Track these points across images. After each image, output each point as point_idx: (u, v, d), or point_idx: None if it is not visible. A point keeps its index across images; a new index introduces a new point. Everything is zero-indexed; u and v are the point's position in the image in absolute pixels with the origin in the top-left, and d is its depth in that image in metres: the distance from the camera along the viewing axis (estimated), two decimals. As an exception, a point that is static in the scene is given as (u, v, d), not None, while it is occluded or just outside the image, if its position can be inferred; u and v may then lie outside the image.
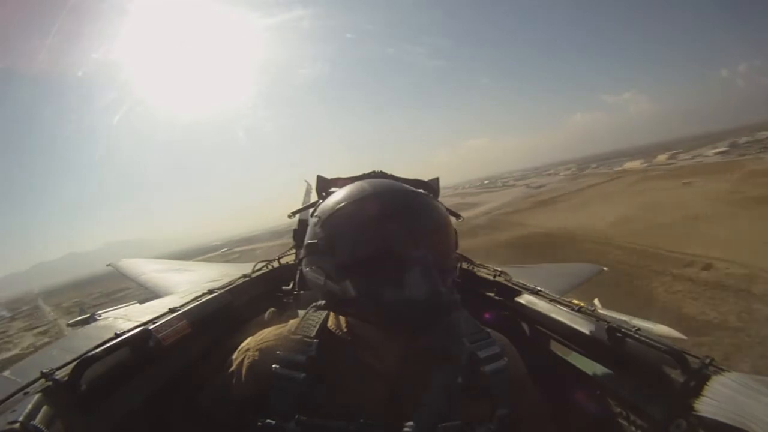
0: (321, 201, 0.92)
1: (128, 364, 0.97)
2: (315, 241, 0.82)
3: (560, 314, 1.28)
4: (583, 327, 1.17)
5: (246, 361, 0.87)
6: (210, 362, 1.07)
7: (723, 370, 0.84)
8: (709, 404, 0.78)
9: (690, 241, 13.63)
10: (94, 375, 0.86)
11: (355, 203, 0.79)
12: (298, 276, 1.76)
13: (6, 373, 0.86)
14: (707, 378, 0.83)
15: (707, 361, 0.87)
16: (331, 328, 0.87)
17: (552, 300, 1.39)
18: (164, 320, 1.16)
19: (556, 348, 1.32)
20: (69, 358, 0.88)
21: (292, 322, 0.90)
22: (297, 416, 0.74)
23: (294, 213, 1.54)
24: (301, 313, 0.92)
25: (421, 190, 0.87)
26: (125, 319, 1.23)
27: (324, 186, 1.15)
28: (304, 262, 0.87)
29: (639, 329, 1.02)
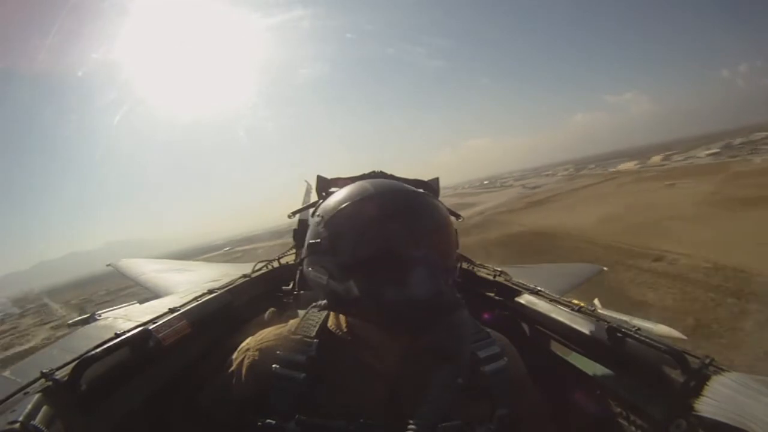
0: (322, 201, 0.92)
1: (128, 364, 0.97)
2: (318, 240, 0.82)
3: (560, 314, 1.28)
4: (583, 327, 1.17)
5: (246, 361, 0.87)
6: (210, 362, 1.07)
7: (723, 370, 0.84)
8: (709, 404, 0.78)
9: (660, 238, 15.05)
10: (94, 375, 0.86)
11: (357, 203, 0.79)
12: (298, 276, 1.76)
13: (6, 373, 0.86)
14: (707, 378, 0.83)
15: (707, 361, 0.87)
16: (331, 328, 0.87)
17: (552, 300, 1.39)
18: (164, 320, 1.16)
19: (556, 348, 1.32)
20: (69, 358, 0.88)
21: (292, 322, 0.90)
22: (297, 416, 0.74)
23: (294, 213, 1.54)
24: (301, 313, 0.92)
25: (421, 190, 0.88)
26: (125, 319, 1.23)
27: (324, 186, 1.15)
28: (306, 262, 0.87)
29: (639, 329, 1.02)
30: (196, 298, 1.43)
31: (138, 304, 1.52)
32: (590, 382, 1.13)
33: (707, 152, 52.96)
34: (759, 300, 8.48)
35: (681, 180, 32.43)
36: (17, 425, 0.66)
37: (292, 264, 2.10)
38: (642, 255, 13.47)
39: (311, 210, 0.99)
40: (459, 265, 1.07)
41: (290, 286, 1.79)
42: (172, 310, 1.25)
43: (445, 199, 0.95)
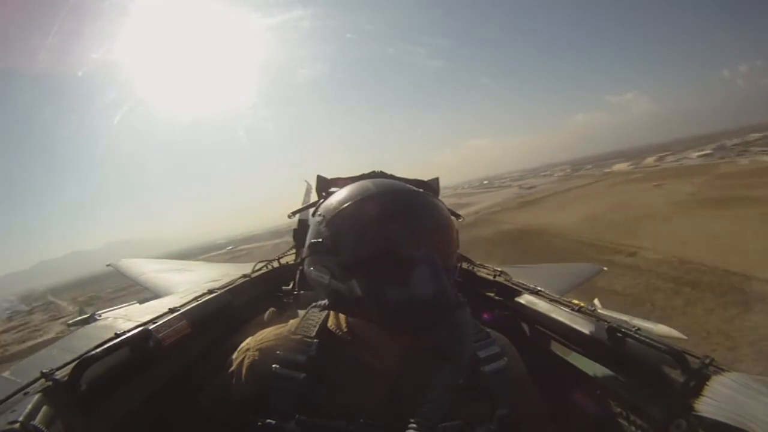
0: (322, 201, 0.92)
1: (128, 364, 0.97)
2: (320, 240, 0.82)
3: (560, 314, 1.28)
4: (583, 327, 1.17)
5: (246, 361, 0.87)
6: (210, 362, 1.07)
7: (723, 370, 0.84)
8: (709, 404, 0.78)
9: (634, 235, 16.57)
10: (94, 375, 0.86)
11: (359, 202, 0.79)
12: (298, 276, 1.75)
13: (6, 373, 0.86)
14: (707, 378, 0.83)
15: (707, 361, 0.87)
16: (331, 328, 0.87)
17: (552, 300, 1.39)
18: (164, 320, 1.16)
19: (556, 348, 1.32)
20: (69, 358, 0.87)
21: (292, 322, 0.90)
22: (297, 416, 0.74)
23: (294, 213, 1.54)
24: (301, 313, 0.92)
25: (422, 190, 0.88)
26: (125, 319, 1.23)
27: (324, 186, 1.15)
28: (307, 262, 0.86)
29: (639, 329, 1.02)
30: (196, 298, 1.43)
31: (138, 304, 1.52)
32: (590, 382, 1.13)
33: (699, 153, 53.64)
34: (712, 290, 9.69)
35: (667, 181, 34.05)
36: (17, 425, 0.66)
37: (292, 264, 2.10)
38: (615, 251, 14.98)
39: (312, 210, 0.99)
40: (459, 265, 1.07)
41: (290, 286, 1.79)
42: (172, 310, 1.25)
43: (445, 199, 0.95)
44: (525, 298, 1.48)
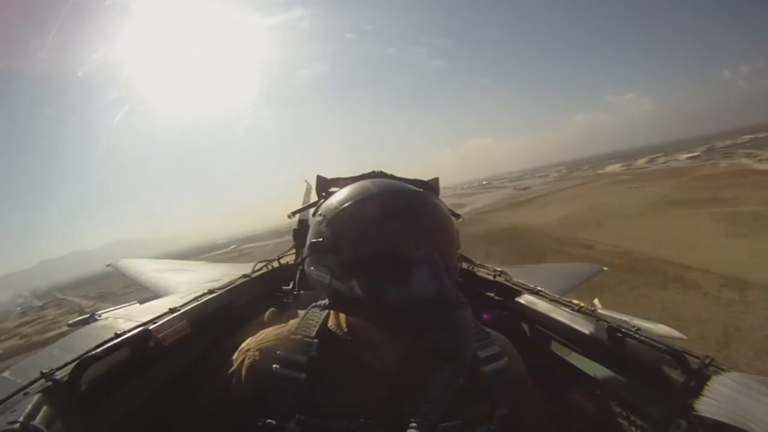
0: (323, 200, 0.91)
1: (128, 364, 0.97)
2: (320, 239, 0.82)
3: (560, 314, 1.28)
4: (583, 327, 1.17)
5: (246, 362, 0.87)
6: (210, 362, 1.06)
7: (723, 370, 0.84)
8: (709, 404, 0.78)
9: (597, 231, 18.77)
10: (94, 375, 0.86)
11: (360, 202, 0.79)
12: (298, 276, 1.75)
13: (6, 373, 0.86)
14: (707, 378, 0.83)
15: (707, 361, 0.87)
16: (331, 328, 0.87)
17: (552, 300, 1.39)
18: (164, 320, 1.16)
19: (556, 348, 1.32)
20: (69, 358, 0.87)
21: (293, 322, 0.90)
22: (297, 416, 0.74)
23: (294, 213, 1.54)
24: (302, 313, 0.92)
25: (422, 190, 0.87)
26: (125, 319, 1.23)
27: (324, 186, 1.15)
28: (307, 261, 0.86)
29: (639, 329, 1.02)
30: (196, 298, 1.43)
31: (138, 304, 1.52)
32: (590, 382, 1.13)
33: (687, 156, 54.37)
34: (643, 273, 11.46)
35: (647, 183, 35.93)
36: (17, 425, 0.66)
37: (292, 264, 2.10)
38: (576, 244, 17.26)
39: (312, 210, 0.99)
40: (459, 265, 1.07)
41: (290, 286, 1.79)
42: (172, 310, 1.25)
43: (444, 199, 0.96)
44: (525, 298, 1.48)
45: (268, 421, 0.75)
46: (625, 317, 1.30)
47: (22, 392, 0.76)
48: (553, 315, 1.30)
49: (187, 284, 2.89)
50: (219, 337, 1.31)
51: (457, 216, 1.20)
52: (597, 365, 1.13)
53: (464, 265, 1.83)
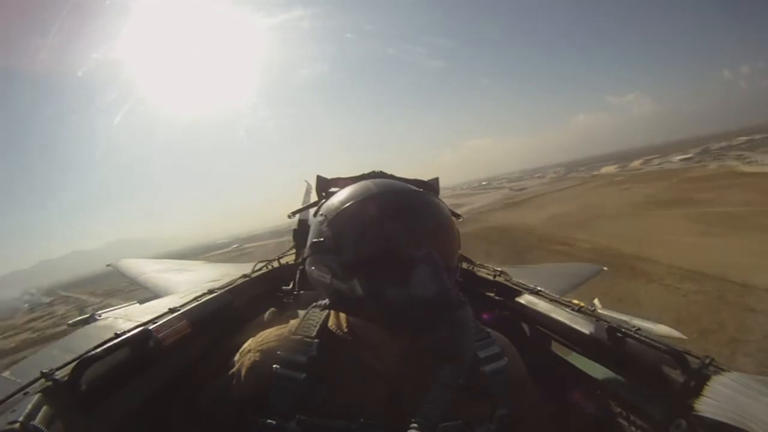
0: (324, 200, 0.91)
1: (128, 364, 0.97)
2: (321, 239, 0.81)
3: (560, 314, 1.28)
4: (583, 327, 1.17)
5: (247, 362, 0.87)
6: (210, 362, 1.06)
7: (723, 370, 0.84)
8: (709, 404, 0.78)
9: (580, 230, 20.03)
10: (94, 375, 0.86)
11: (361, 202, 0.79)
12: (298, 276, 1.76)
13: (6, 373, 0.86)
14: (707, 378, 0.83)
15: (707, 361, 0.87)
16: (331, 328, 0.87)
17: (552, 300, 1.39)
18: (164, 320, 1.16)
19: (557, 348, 1.32)
20: (69, 358, 0.87)
21: (293, 323, 0.90)
22: (297, 416, 0.74)
23: (294, 213, 1.54)
24: (302, 313, 0.92)
25: (421, 190, 0.87)
26: (125, 319, 1.23)
27: (324, 186, 1.15)
28: (308, 261, 0.86)
29: (639, 329, 1.02)
30: (196, 298, 1.43)
31: (138, 304, 1.53)
32: (590, 382, 1.13)
33: (680, 157, 55.00)
34: (614, 267, 11.50)
35: (637, 184, 37.28)
36: (17, 425, 0.66)
37: (292, 264, 2.10)
38: (558, 242, 18.42)
39: (313, 209, 0.99)
40: (459, 265, 1.07)
41: (290, 286, 1.79)
42: (172, 310, 1.25)
43: (443, 199, 0.96)
44: (525, 298, 1.48)
45: (269, 421, 0.75)
46: (625, 317, 1.30)
47: (22, 392, 0.76)
48: (553, 315, 1.30)
49: (187, 284, 2.89)
50: (219, 337, 1.31)
51: (458, 216, 1.20)
52: (597, 365, 1.13)
53: (464, 265, 1.83)
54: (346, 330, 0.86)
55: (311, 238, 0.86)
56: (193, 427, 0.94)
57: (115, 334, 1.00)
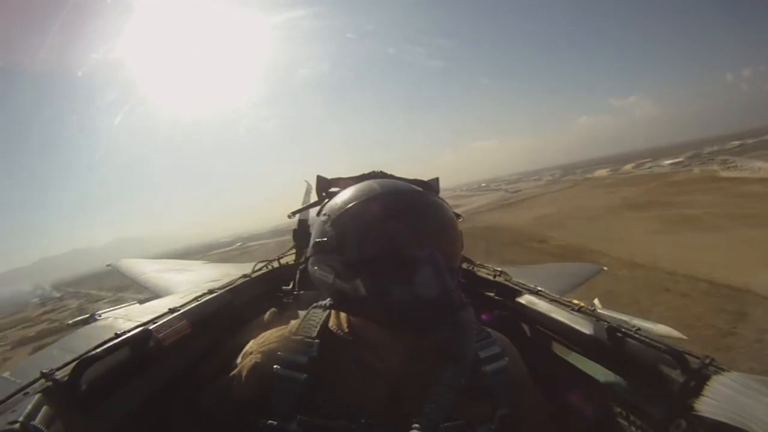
0: (327, 200, 0.91)
1: (128, 364, 0.97)
2: (324, 239, 0.81)
3: (560, 314, 1.28)
4: (583, 327, 1.17)
5: (248, 364, 0.87)
6: (210, 362, 1.06)
7: (723, 370, 0.84)
8: (709, 404, 0.78)
9: (557, 229, 21.81)
10: (94, 375, 0.86)
11: (365, 202, 0.79)
12: (298, 276, 1.76)
13: (6, 373, 0.86)
14: (707, 378, 0.83)
15: (707, 361, 0.87)
16: (332, 328, 0.87)
17: (552, 300, 1.39)
18: (164, 320, 1.16)
19: (557, 348, 1.32)
20: (69, 358, 0.87)
21: (294, 323, 0.90)
22: (298, 417, 0.74)
23: (294, 213, 1.54)
24: (302, 313, 0.92)
25: (423, 191, 0.87)
26: (125, 319, 1.23)
27: (324, 186, 1.15)
28: (311, 261, 0.86)
29: (639, 329, 1.02)
30: (196, 298, 1.43)
31: (138, 304, 1.53)
32: (590, 382, 1.13)
33: (670, 161, 55.87)
34: (573, 260, 13.39)
35: (622, 188, 39.23)
36: (17, 425, 0.66)
37: (292, 264, 2.10)
38: (535, 239, 20.41)
39: (316, 209, 0.99)
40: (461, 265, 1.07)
41: (290, 286, 1.79)
42: (172, 310, 1.25)
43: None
44: (525, 298, 1.48)
45: (270, 421, 0.75)
46: (625, 317, 1.30)
47: (22, 392, 0.76)
48: (554, 315, 1.30)
49: (187, 284, 2.89)
50: (219, 337, 1.31)
51: (458, 216, 1.20)
52: (597, 365, 1.13)
53: (464, 265, 1.83)
54: (346, 330, 0.86)
55: (314, 238, 0.85)
56: (193, 427, 0.94)
57: (115, 334, 1.00)
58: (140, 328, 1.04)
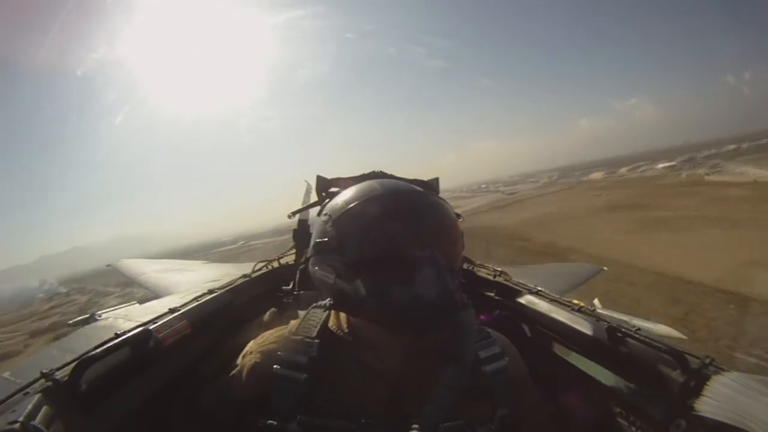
0: (328, 200, 0.91)
1: (128, 364, 0.97)
2: (325, 239, 0.81)
3: (560, 314, 1.28)
4: (583, 327, 1.17)
5: (248, 364, 0.87)
6: (210, 362, 1.06)
7: (723, 370, 0.84)
8: (709, 404, 0.78)
9: (540, 229, 22.77)
10: (94, 375, 0.86)
11: (366, 202, 0.79)
12: (298, 276, 1.76)
13: (6, 373, 0.86)
14: (707, 378, 0.83)
15: (707, 361, 0.87)
16: (331, 328, 0.87)
17: (552, 300, 1.39)
18: (164, 320, 1.16)
19: (557, 348, 1.32)
20: (69, 358, 0.87)
21: (293, 323, 0.90)
22: (298, 417, 0.74)
23: (294, 213, 1.54)
24: (302, 313, 0.92)
25: (425, 191, 0.87)
26: (125, 319, 1.23)
27: (324, 186, 1.14)
28: (311, 261, 0.86)
29: (639, 329, 1.02)
30: (196, 298, 1.43)
31: (138, 304, 1.53)
32: (590, 382, 1.13)
33: (663, 165, 56.36)
34: (548, 255, 14.98)
35: (611, 191, 40.43)
36: (17, 425, 0.66)
37: (292, 264, 2.10)
38: (518, 239, 21.18)
39: (317, 209, 0.98)
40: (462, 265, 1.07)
41: (290, 286, 1.79)
42: (172, 310, 1.25)
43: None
44: (525, 298, 1.48)
45: (270, 421, 0.75)
46: (625, 317, 1.30)
47: (22, 392, 0.76)
48: (553, 315, 1.30)
49: (187, 284, 2.89)
50: (219, 337, 1.31)
51: (458, 216, 1.20)
52: (597, 365, 1.13)
53: (464, 265, 1.83)
54: (346, 330, 0.86)
55: (315, 238, 0.85)
56: (193, 427, 0.94)
57: (115, 334, 1.00)
58: (140, 328, 1.04)
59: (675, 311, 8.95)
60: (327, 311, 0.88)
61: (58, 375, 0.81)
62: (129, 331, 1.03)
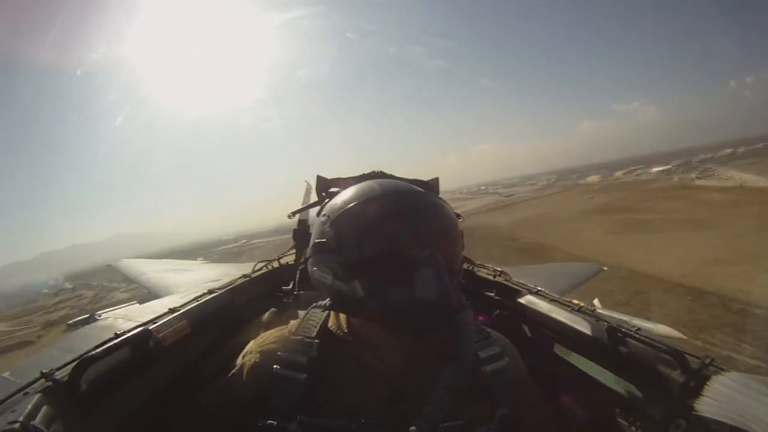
0: (328, 201, 0.91)
1: (128, 364, 0.97)
2: (324, 240, 0.81)
3: (560, 314, 1.28)
4: (583, 327, 1.17)
5: (248, 364, 0.87)
6: (210, 362, 1.06)
7: (723, 370, 0.84)
8: (709, 404, 0.78)
9: (530, 230, 24.17)
10: (94, 375, 0.86)
11: (365, 202, 0.78)
12: (298, 276, 1.76)
13: (6, 373, 0.86)
14: (707, 378, 0.83)
15: (707, 361, 0.87)
16: (331, 328, 0.87)
17: (552, 300, 1.39)
18: (164, 320, 1.16)
19: (557, 348, 1.32)
20: (69, 358, 0.87)
21: (293, 323, 0.90)
22: (298, 417, 0.74)
23: (294, 213, 1.54)
24: (302, 313, 0.92)
25: (425, 191, 0.87)
26: (125, 319, 1.23)
27: (324, 186, 1.14)
28: (310, 261, 0.86)
29: (639, 329, 1.02)
30: (196, 298, 1.43)
31: (138, 304, 1.53)
32: (590, 382, 1.13)
33: (658, 169, 57.01)
34: (531, 253, 16.30)
35: (603, 194, 41.70)
36: (17, 425, 0.66)
37: (292, 264, 2.10)
38: (508, 238, 22.72)
39: (316, 209, 0.98)
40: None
41: (290, 286, 1.79)
42: (172, 310, 1.25)
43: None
44: (525, 298, 1.47)
45: (269, 421, 0.75)
46: (625, 317, 1.29)
47: (22, 392, 0.76)
48: (553, 315, 1.30)
49: (187, 284, 2.89)
50: (219, 337, 1.31)
51: (458, 216, 1.19)
52: (597, 365, 1.13)
53: (464, 265, 1.83)
54: (346, 330, 0.86)
55: (314, 239, 0.85)
56: (193, 427, 0.94)
57: (115, 334, 1.00)
58: (140, 328, 1.04)
59: (638, 302, 9.85)
60: (327, 311, 0.88)
61: (58, 375, 0.81)
62: (129, 331, 1.02)
